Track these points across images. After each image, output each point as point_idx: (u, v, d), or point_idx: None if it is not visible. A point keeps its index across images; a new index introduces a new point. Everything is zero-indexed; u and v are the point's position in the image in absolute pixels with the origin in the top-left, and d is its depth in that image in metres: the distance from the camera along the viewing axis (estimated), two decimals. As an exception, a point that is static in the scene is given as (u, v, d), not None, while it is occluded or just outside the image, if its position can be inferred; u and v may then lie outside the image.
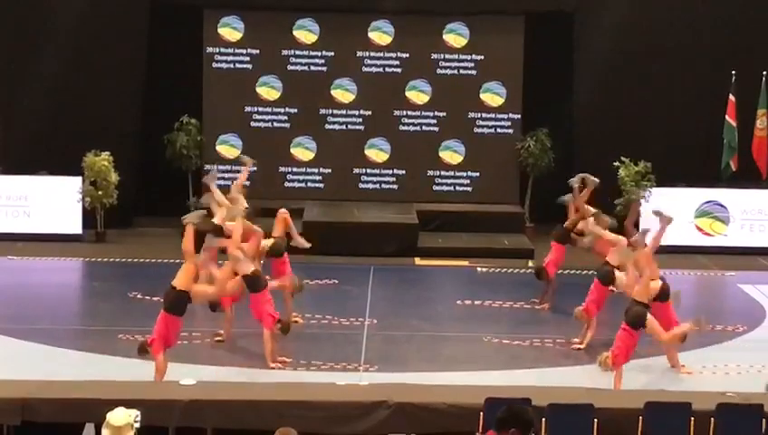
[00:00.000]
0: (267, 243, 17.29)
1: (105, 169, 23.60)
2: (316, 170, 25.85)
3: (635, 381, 15.19)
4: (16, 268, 21.53)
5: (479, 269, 22.16)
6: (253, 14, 25.69)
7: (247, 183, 24.75)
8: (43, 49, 24.37)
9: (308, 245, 18.13)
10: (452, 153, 25.93)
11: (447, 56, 25.77)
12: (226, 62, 25.73)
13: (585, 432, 11.96)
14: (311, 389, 13.34)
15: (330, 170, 25.84)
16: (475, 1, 25.15)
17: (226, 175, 25.55)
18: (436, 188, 25.97)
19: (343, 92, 25.82)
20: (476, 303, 19.57)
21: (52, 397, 12.34)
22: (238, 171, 25.44)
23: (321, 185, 25.87)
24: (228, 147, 25.78)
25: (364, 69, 25.82)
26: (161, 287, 19.94)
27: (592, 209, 18.72)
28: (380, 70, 25.82)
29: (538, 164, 25.06)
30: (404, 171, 25.92)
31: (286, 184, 25.64)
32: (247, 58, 25.73)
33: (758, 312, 18.95)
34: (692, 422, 12.01)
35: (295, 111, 25.80)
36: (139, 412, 10.33)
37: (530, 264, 22.05)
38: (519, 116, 25.78)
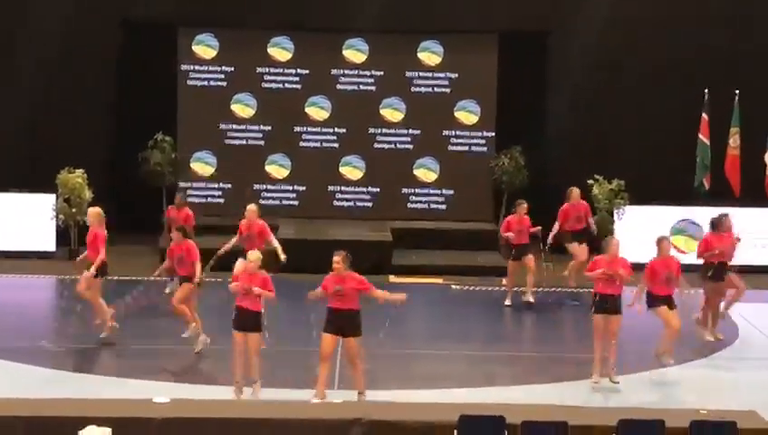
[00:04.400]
0: None
1: (79, 186, 23.52)
2: (290, 188, 25.83)
3: (609, 398, 15.25)
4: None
5: (453, 287, 22.17)
6: (227, 32, 25.69)
7: (221, 201, 24.97)
8: (16, 66, 24.31)
9: None
10: (426, 171, 25.97)
11: (422, 74, 25.83)
12: (201, 79, 25.71)
13: (559, 450, 11.98)
14: (285, 407, 13.31)
15: (304, 188, 25.84)
16: (449, 19, 25.20)
17: (200, 192, 25.59)
18: (410, 205, 25.99)
19: (318, 110, 25.83)
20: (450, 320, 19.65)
21: (24, 415, 12.27)
22: (212, 188, 25.58)
23: (296, 202, 25.87)
24: (203, 164, 25.75)
25: (338, 87, 25.84)
26: (134, 304, 20.01)
27: None
28: (355, 88, 25.85)
29: (512, 182, 25.10)
30: (378, 189, 25.94)
31: (260, 201, 25.55)
32: (222, 76, 25.72)
33: (731, 330, 19.00)
34: (665, 440, 12.05)
35: (270, 128, 25.80)
36: (110, 430, 10.31)
37: (503, 282, 22.00)
38: (493, 134, 25.84)
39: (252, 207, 19.47)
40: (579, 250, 21.08)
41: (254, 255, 15.08)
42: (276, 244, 19.28)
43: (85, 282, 17.48)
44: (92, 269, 17.38)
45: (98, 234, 17.61)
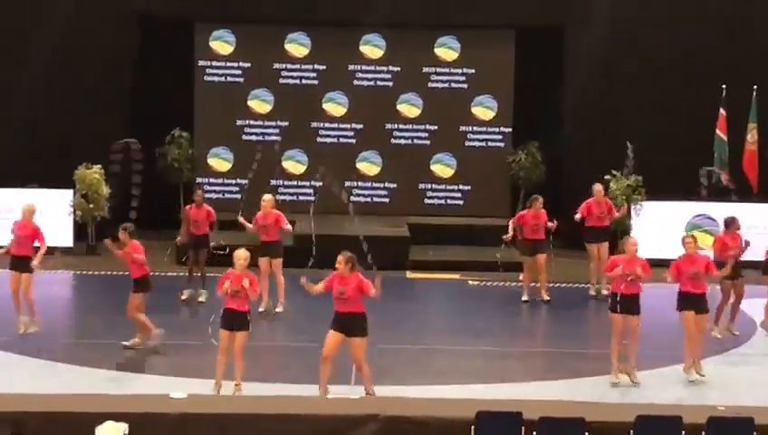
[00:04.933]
0: None
1: (96, 181, 23.59)
2: (307, 184, 25.85)
3: (626, 394, 15.22)
4: (6, 281, 21.44)
5: (470, 282, 22.16)
6: (244, 28, 25.72)
7: (238, 196, 24.96)
8: (34, 62, 24.32)
9: None
10: (443, 166, 25.96)
11: (439, 70, 25.82)
12: (218, 75, 25.75)
13: (576, 446, 11.97)
14: (301, 402, 13.32)
15: (321, 183, 25.84)
16: (465, 15, 25.16)
17: (217, 188, 25.62)
18: (427, 201, 25.99)
19: (335, 106, 25.84)
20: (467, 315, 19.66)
21: (42, 410, 12.30)
22: (229, 184, 25.62)
23: (313, 198, 25.86)
24: (219, 160, 25.80)
25: (356, 82, 25.84)
26: (152, 300, 20.01)
27: None
28: (372, 83, 25.85)
29: (529, 177, 25.09)
30: (395, 184, 25.94)
31: (278, 197, 25.55)
32: (239, 71, 25.75)
33: (748, 326, 18.94)
34: (683, 436, 12.03)
35: (287, 124, 25.82)
36: (127, 426, 10.33)
37: (520, 278, 21.99)
38: (510, 129, 25.83)
39: (267, 196, 19.54)
40: (594, 251, 20.97)
41: (243, 253, 14.96)
42: (289, 227, 19.38)
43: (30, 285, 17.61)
44: (38, 261, 17.53)
45: (38, 228, 17.87)
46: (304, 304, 18.52)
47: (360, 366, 14.62)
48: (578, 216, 20.93)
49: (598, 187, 21.22)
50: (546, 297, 20.51)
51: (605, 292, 20.47)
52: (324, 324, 17.60)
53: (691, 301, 15.92)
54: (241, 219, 19.38)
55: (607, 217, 21.18)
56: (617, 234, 22.97)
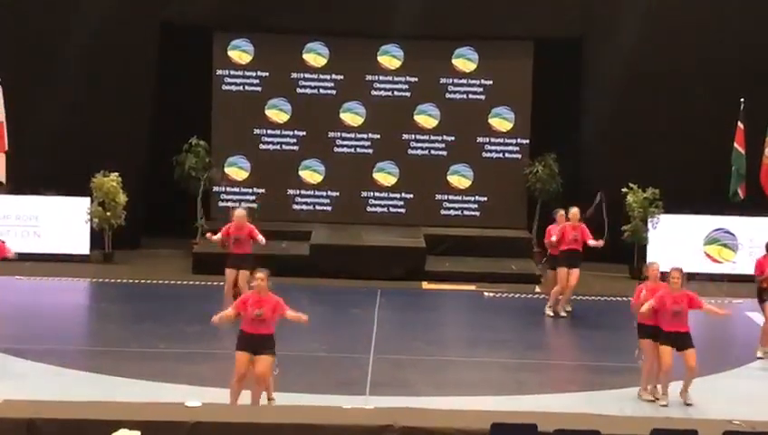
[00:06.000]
0: None
1: (113, 189, 23.63)
2: (324, 193, 25.86)
3: (641, 408, 15.17)
4: (24, 288, 21.54)
5: (486, 294, 22.13)
6: (262, 37, 25.76)
7: (255, 206, 24.90)
8: (54, 71, 24.39)
9: None
10: (460, 177, 25.94)
11: (456, 81, 25.82)
12: (236, 84, 25.79)
13: (591, 459, 11.93)
14: (317, 412, 13.30)
15: (338, 193, 25.86)
16: (484, 26, 25.16)
17: (234, 197, 25.64)
18: (443, 212, 25.97)
19: (352, 116, 25.85)
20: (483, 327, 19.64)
21: (58, 417, 12.32)
22: (246, 193, 25.63)
23: (329, 208, 25.89)
24: (237, 169, 25.81)
25: (373, 93, 25.85)
26: (168, 308, 20.08)
27: None
28: (389, 94, 25.86)
29: (546, 189, 25.07)
30: (412, 195, 25.93)
31: (294, 206, 25.66)
32: (257, 81, 25.79)
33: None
34: (698, 450, 11.97)
35: (304, 133, 25.84)
36: (140, 434, 10.33)
37: (537, 289, 22.07)
38: (527, 141, 25.81)
39: (240, 211, 19.32)
40: (564, 276, 20.17)
41: (259, 273, 14.20)
42: (262, 239, 19.14)
43: None
44: None
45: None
46: (316, 315, 18.45)
47: (265, 381, 14.03)
48: (554, 238, 20.51)
49: (574, 210, 20.37)
50: (568, 308, 20.45)
51: (564, 313, 20.25)
52: (336, 332, 17.72)
53: (671, 339, 15.27)
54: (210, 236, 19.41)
55: (580, 242, 20.31)
56: (634, 247, 23.02)
